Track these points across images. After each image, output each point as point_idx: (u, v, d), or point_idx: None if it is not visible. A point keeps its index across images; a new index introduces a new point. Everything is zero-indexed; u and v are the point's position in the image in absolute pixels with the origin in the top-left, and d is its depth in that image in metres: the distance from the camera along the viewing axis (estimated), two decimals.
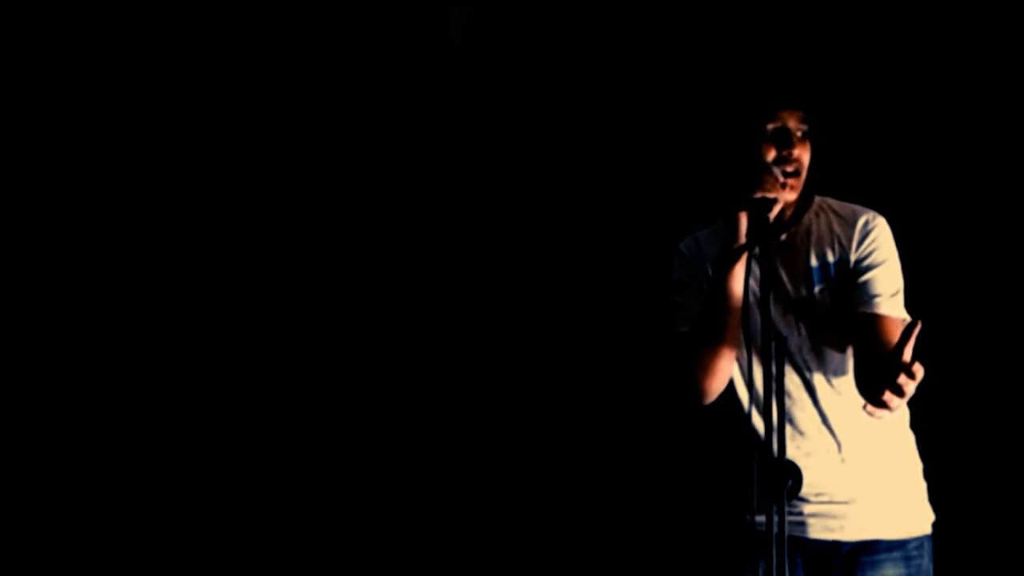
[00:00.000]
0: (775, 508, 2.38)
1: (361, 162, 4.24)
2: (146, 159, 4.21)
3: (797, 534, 2.68)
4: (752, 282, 2.68)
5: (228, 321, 4.19)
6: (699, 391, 2.69)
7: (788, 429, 2.65)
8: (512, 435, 4.15)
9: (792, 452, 2.54)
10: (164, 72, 4.20)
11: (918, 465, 2.80)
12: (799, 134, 2.69)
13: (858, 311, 2.68)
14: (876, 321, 2.67)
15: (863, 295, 2.69)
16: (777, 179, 2.59)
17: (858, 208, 2.79)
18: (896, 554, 2.72)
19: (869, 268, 2.70)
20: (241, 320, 4.19)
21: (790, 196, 2.66)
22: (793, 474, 2.41)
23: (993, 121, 3.80)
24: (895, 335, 2.57)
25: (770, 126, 2.67)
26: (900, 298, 2.72)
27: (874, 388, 2.47)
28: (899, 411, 2.73)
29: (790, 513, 2.65)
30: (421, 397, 4.18)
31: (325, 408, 4.20)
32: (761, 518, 2.60)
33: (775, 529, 2.38)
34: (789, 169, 2.66)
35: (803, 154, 2.69)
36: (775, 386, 2.40)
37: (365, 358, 4.20)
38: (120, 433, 4.16)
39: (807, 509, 2.69)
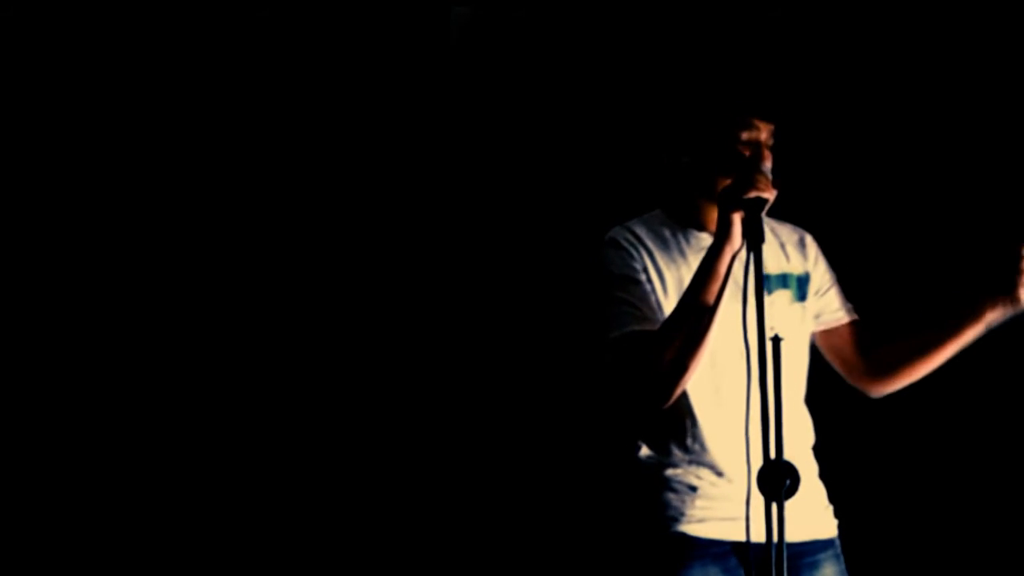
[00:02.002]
0: (775, 510, 2.37)
1: (360, 161, 4.24)
2: (145, 159, 4.21)
3: (741, 539, 2.61)
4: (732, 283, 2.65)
5: (220, 319, 4.20)
6: (666, 393, 2.63)
7: (728, 431, 2.63)
8: (459, 438, 4.15)
9: (734, 452, 2.60)
10: (164, 72, 4.20)
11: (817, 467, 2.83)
12: (767, 148, 2.73)
13: (842, 323, 2.88)
14: (858, 325, 2.89)
15: (838, 306, 2.88)
16: (769, 179, 2.60)
17: (792, 225, 2.90)
18: (830, 552, 2.74)
19: (830, 282, 2.88)
20: (233, 318, 4.20)
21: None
22: (791, 474, 2.40)
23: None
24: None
25: (744, 135, 2.71)
26: None
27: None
28: (807, 415, 2.80)
29: (731, 519, 2.63)
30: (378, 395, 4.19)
31: (312, 407, 4.21)
32: (697, 526, 2.64)
33: (774, 536, 2.37)
34: None
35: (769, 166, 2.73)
36: (772, 388, 2.40)
37: (350, 355, 4.21)
38: (120, 433, 4.17)
39: (753, 513, 2.59)
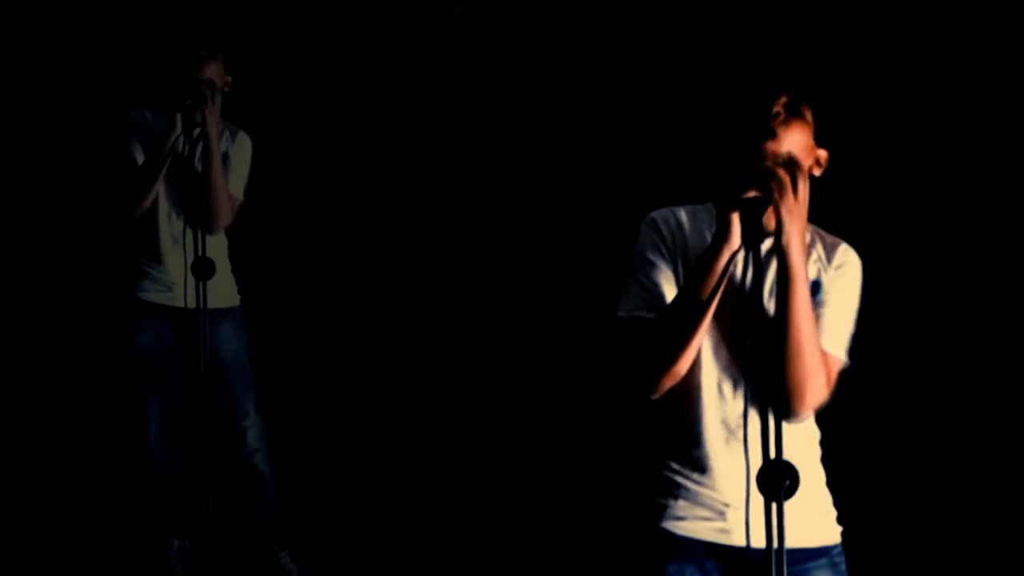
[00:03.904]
0: (774, 511, 2.37)
1: (359, 159, 4.25)
2: None
3: (720, 542, 2.59)
4: (735, 282, 2.63)
5: None
6: (651, 384, 2.60)
7: (723, 432, 2.61)
8: (449, 430, 4.16)
9: (726, 454, 2.58)
10: (164, 71, 4.20)
11: (823, 476, 2.75)
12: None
13: None
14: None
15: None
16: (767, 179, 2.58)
17: (839, 241, 2.74)
18: (823, 561, 2.66)
19: (825, 302, 2.66)
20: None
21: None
22: (790, 474, 2.40)
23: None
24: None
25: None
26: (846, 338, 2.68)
27: None
28: (813, 428, 2.71)
29: (713, 520, 2.60)
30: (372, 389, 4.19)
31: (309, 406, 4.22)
32: (682, 523, 2.61)
33: (774, 541, 2.36)
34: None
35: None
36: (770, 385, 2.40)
37: (351, 347, 4.22)
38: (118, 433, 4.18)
39: (731, 516, 2.58)
